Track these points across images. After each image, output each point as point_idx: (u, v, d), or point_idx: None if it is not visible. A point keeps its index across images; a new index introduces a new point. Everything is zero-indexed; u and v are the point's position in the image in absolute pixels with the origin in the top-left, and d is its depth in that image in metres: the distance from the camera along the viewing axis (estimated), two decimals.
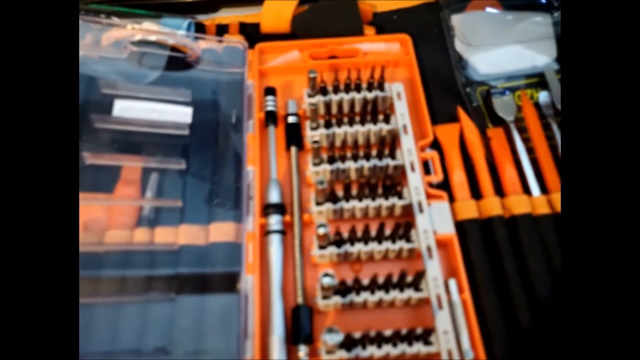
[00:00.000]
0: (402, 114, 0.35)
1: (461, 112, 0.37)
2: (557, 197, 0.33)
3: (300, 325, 0.28)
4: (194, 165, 0.35)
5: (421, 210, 0.31)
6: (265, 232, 0.31)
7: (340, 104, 0.36)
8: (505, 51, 0.40)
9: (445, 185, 0.34)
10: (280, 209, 0.32)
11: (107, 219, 0.32)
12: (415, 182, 0.32)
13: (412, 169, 0.32)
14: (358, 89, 0.36)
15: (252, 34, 0.42)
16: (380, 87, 0.36)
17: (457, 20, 0.42)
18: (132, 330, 0.28)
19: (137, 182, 0.34)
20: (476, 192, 0.34)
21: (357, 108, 0.36)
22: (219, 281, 0.31)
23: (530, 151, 0.35)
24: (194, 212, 0.33)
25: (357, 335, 0.27)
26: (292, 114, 0.36)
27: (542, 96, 0.38)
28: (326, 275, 0.27)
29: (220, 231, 0.33)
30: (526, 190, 0.34)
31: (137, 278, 0.30)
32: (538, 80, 0.39)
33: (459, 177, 0.34)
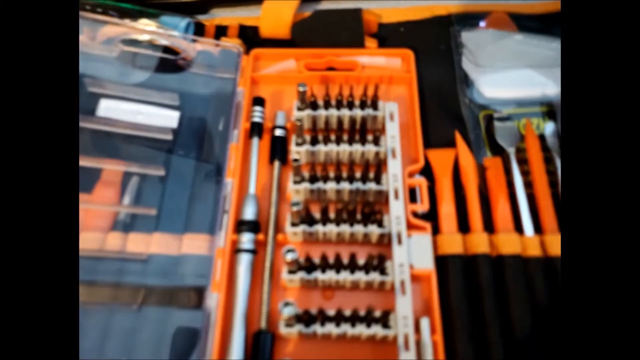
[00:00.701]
0: (392, 137, 0.33)
1: (458, 137, 0.35)
2: (551, 239, 0.30)
3: (260, 352, 0.27)
4: (175, 172, 0.34)
5: (400, 241, 0.29)
6: (235, 250, 0.30)
7: (329, 120, 0.34)
8: (515, 75, 0.38)
9: (432, 214, 0.32)
10: (253, 226, 0.31)
11: (84, 220, 0.32)
12: (397, 211, 0.30)
13: (396, 196, 0.31)
14: (350, 105, 0.34)
15: (251, 37, 0.41)
16: (374, 105, 0.34)
17: (467, 38, 0.40)
18: (93, 340, 0.28)
19: (117, 185, 0.34)
20: (464, 225, 0.32)
21: (346, 125, 0.35)
22: (185, 295, 0.30)
23: (529, 185, 0.33)
24: (170, 220, 0.33)
25: None
26: (280, 127, 0.35)
27: (549, 127, 0.35)
28: (287, 304, 0.26)
29: (194, 242, 0.32)
30: (519, 228, 0.31)
31: (104, 285, 0.30)
32: (547, 109, 0.37)
33: (447, 208, 0.32)
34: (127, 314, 0.29)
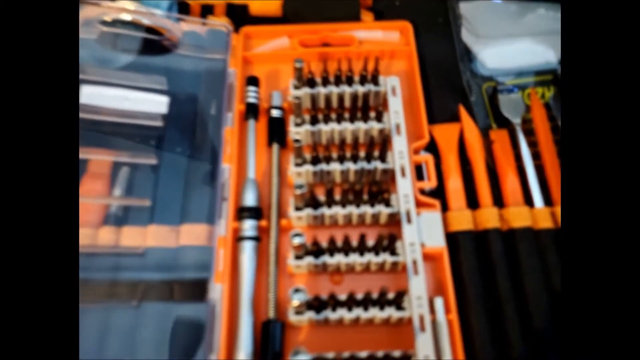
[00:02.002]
0: (395, 112, 0.31)
1: (463, 111, 0.34)
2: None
3: (270, 342, 0.26)
4: (168, 160, 0.32)
5: (409, 220, 0.28)
6: (237, 238, 0.29)
7: (328, 98, 0.33)
8: (517, 44, 0.36)
9: (440, 192, 0.31)
10: (255, 213, 0.29)
11: None
12: (405, 189, 0.29)
13: (403, 174, 0.29)
14: (349, 81, 0.33)
15: (240, 16, 0.39)
16: (374, 80, 0.33)
17: (466, 9, 0.38)
18: (91, 340, 0.27)
19: (106, 176, 0.32)
20: (473, 201, 0.31)
21: (347, 103, 0.33)
22: (187, 288, 0.29)
23: (537, 157, 0.32)
24: (166, 211, 0.31)
25: (330, 355, 0.24)
26: (276, 107, 0.33)
27: (554, 96, 0.34)
28: (297, 291, 0.24)
29: (192, 233, 0.30)
30: (528, 200, 0.31)
31: (99, 282, 0.28)
32: (551, 77, 0.36)
33: (455, 184, 0.31)
34: (126, 311, 0.27)
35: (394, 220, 0.29)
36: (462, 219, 0.29)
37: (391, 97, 0.32)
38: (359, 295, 0.26)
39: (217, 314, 0.27)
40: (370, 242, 0.27)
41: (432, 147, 0.33)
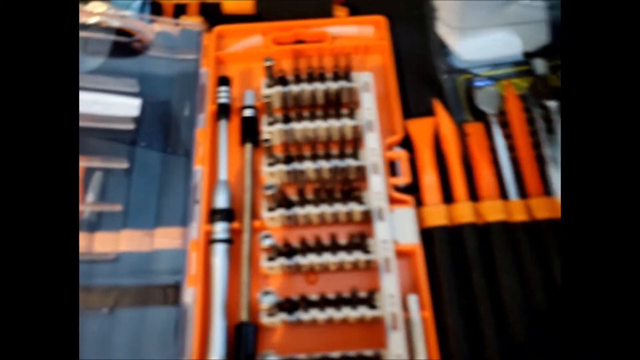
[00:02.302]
0: (368, 109, 0.31)
1: (437, 105, 0.33)
2: (536, 203, 0.29)
3: (242, 344, 0.25)
4: (141, 164, 0.32)
5: (381, 217, 0.28)
6: (209, 241, 0.28)
7: (302, 96, 0.32)
8: (493, 36, 0.36)
9: (415, 187, 0.31)
10: (227, 215, 0.29)
11: None
12: (377, 186, 0.28)
13: (375, 171, 0.29)
14: (322, 78, 0.32)
15: (213, 15, 0.39)
16: (347, 76, 0.32)
17: (440, 1, 0.38)
18: None
19: (79, 182, 0.31)
20: (448, 196, 0.31)
21: (321, 100, 0.33)
22: (161, 293, 0.28)
23: (512, 149, 0.32)
24: (139, 215, 0.31)
25: (302, 357, 0.24)
26: (249, 107, 0.33)
27: (530, 87, 0.34)
28: (266, 293, 0.24)
29: (167, 237, 0.30)
30: (504, 193, 0.30)
31: None
32: (527, 68, 0.35)
33: (429, 179, 0.31)
34: (97, 319, 0.27)
35: (368, 217, 0.29)
36: (437, 214, 0.29)
37: (364, 93, 0.32)
38: (331, 295, 0.26)
39: (190, 317, 0.26)
40: (343, 240, 0.27)
41: (407, 142, 0.32)
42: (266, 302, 0.24)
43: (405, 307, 0.26)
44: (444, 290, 0.27)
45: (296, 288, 0.28)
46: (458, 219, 0.29)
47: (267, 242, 0.25)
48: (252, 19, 0.38)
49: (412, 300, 0.26)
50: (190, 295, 0.27)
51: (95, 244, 0.29)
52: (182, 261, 0.29)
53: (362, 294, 0.25)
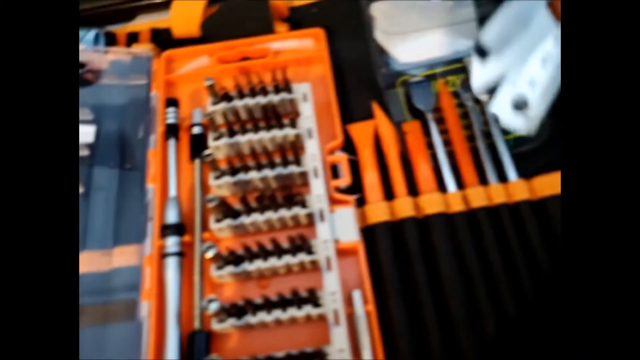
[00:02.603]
0: (307, 117, 0.33)
1: (376, 108, 0.35)
2: (472, 192, 0.31)
3: (195, 352, 0.27)
4: (98, 187, 0.34)
5: (322, 218, 0.29)
6: (162, 255, 0.30)
7: (244, 111, 0.34)
8: (427, 38, 0.38)
9: (359, 187, 0.32)
10: (177, 229, 0.30)
11: None
12: (318, 190, 0.30)
13: (316, 175, 0.31)
14: (264, 92, 0.34)
15: (165, 40, 0.40)
16: (288, 88, 0.34)
17: (377, 9, 0.40)
18: None
19: None
20: (390, 193, 0.32)
21: (265, 113, 0.34)
22: (121, 309, 0.30)
23: (449, 143, 0.33)
24: (97, 236, 0.32)
25: (245, 358, 0.25)
26: (197, 124, 0.34)
27: (463, 85, 0.36)
28: (210, 300, 0.25)
29: (124, 255, 0.31)
30: (442, 186, 0.32)
31: None
32: (461, 66, 0.37)
33: (371, 178, 0.32)
34: None
35: (313, 220, 0.30)
36: (379, 211, 0.30)
37: (302, 103, 0.33)
38: (274, 297, 0.27)
39: (145, 329, 0.27)
40: (287, 245, 0.28)
41: (351, 145, 0.34)
42: (212, 308, 0.25)
43: (351, 302, 0.27)
44: (387, 284, 0.28)
45: (249, 294, 0.29)
46: (399, 214, 0.30)
47: (210, 253, 0.27)
48: (201, 41, 0.40)
49: (356, 295, 0.27)
50: (145, 308, 0.28)
51: None
52: (139, 277, 0.30)
53: (303, 294, 0.27)
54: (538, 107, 0.30)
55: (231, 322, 0.27)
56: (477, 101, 0.35)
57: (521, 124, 0.30)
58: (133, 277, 0.30)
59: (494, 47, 0.30)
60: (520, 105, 0.30)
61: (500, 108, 0.30)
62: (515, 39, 0.30)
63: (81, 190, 0.33)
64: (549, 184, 0.30)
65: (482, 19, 0.38)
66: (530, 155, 0.32)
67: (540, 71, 0.29)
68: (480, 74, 0.31)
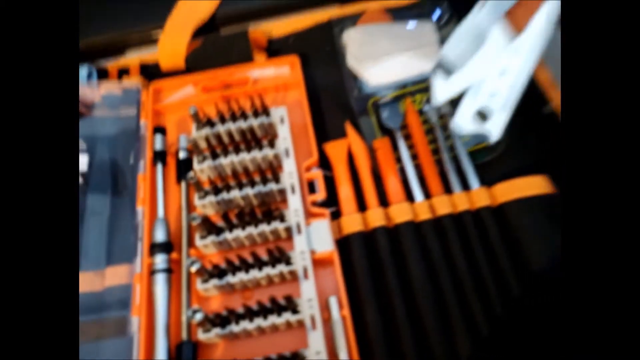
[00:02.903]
0: (284, 138, 0.35)
1: (349, 127, 0.38)
2: (437, 201, 0.33)
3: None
4: (92, 211, 0.36)
5: (299, 231, 0.31)
6: (151, 272, 0.32)
7: (226, 135, 0.37)
8: (394, 61, 0.41)
9: (335, 200, 0.35)
10: (165, 247, 0.32)
11: None
12: (295, 204, 0.32)
13: (293, 191, 0.33)
14: (244, 117, 0.37)
15: (154, 73, 0.44)
16: (266, 112, 0.37)
17: (348, 37, 0.43)
18: None
19: None
20: (363, 205, 0.34)
21: (247, 136, 0.37)
22: (112, 326, 0.31)
23: (416, 157, 0.36)
24: (91, 258, 0.34)
25: None
26: (183, 149, 0.37)
27: (427, 102, 0.39)
28: (195, 311, 0.27)
29: (116, 274, 0.33)
30: (411, 197, 0.34)
31: None
32: (426, 86, 0.40)
33: (345, 192, 0.35)
34: None
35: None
36: (353, 222, 0.33)
37: (279, 125, 0.36)
38: (255, 307, 0.29)
39: (136, 343, 0.29)
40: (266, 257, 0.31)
41: (327, 162, 0.36)
42: (197, 318, 0.27)
43: (327, 308, 0.29)
44: (361, 290, 0.30)
45: (234, 306, 0.31)
46: (371, 224, 0.33)
47: (194, 267, 0.29)
48: (187, 72, 0.43)
49: (332, 301, 0.29)
50: (135, 323, 0.30)
51: None
52: (130, 294, 0.32)
53: (282, 302, 0.28)
54: (500, 116, 0.32)
55: (216, 331, 0.29)
56: (441, 117, 0.38)
57: (486, 133, 0.32)
58: (124, 295, 0.32)
59: (454, 63, 0.33)
60: (483, 116, 0.32)
61: (464, 119, 0.33)
62: (473, 54, 0.32)
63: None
64: (507, 191, 0.33)
65: (443, 42, 0.41)
66: (490, 165, 0.35)
67: (499, 83, 0.32)
68: (441, 89, 0.33)
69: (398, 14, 0.44)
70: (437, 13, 0.43)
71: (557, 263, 0.29)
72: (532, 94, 0.37)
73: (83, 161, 0.38)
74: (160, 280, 0.31)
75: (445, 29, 0.42)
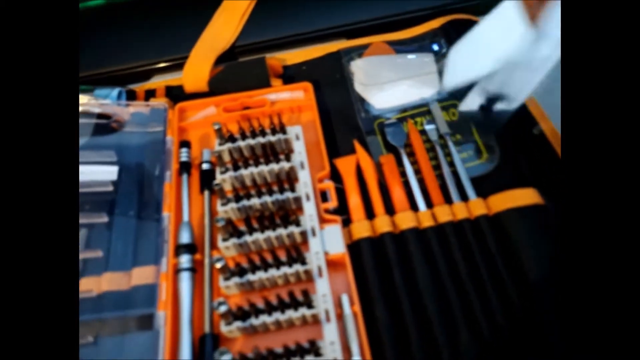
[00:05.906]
0: (299, 153, 0.39)
1: (357, 145, 0.42)
2: (439, 210, 0.37)
3: (205, 352, 0.30)
4: (120, 217, 0.39)
5: (314, 234, 0.34)
6: (176, 271, 0.34)
7: (246, 149, 0.40)
8: (396, 88, 0.46)
9: (345, 208, 0.38)
10: (190, 248, 0.35)
11: None
12: (310, 210, 0.36)
13: (307, 198, 0.36)
14: (264, 134, 0.41)
15: (178, 95, 0.48)
16: (283, 130, 0.41)
17: (356, 66, 0.48)
18: None
19: None
20: (371, 213, 0.38)
21: (266, 150, 0.41)
22: (138, 321, 0.34)
23: (419, 172, 0.40)
24: (119, 259, 0.37)
25: (251, 355, 0.29)
26: (206, 162, 0.41)
27: (428, 123, 0.43)
28: (220, 303, 0.30)
29: (142, 275, 0.36)
30: (415, 207, 0.38)
31: None
32: (427, 109, 0.45)
33: (354, 202, 0.38)
34: (84, 349, 0.32)
35: (307, 238, 0.36)
36: (362, 228, 0.36)
37: (295, 141, 0.40)
38: (274, 302, 0.31)
39: (162, 336, 0.31)
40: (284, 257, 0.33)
41: (338, 175, 0.40)
42: (221, 309, 0.30)
43: (339, 305, 0.32)
44: (371, 289, 0.33)
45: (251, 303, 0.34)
46: (379, 230, 0.36)
47: (219, 264, 0.32)
48: (208, 95, 0.47)
49: (344, 298, 0.32)
50: (161, 318, 0.32)
51: (82, 286, 0.35)
52: (155, 293, 0.34)
53: (299, 298, 0.31)
54: (509, 104, 0.33)
55: (237, 324, 0.31)
56: (440, 136, 0.42)
57: (491, 120, 0.34)
58: (149, 293, 0.35)
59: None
60: (491, 102, 0.34)
61: (471, 106, 0.34)
62: (483, 54, 0.33)
63: (104, 220, 0.38)
64: (501, 201, 0.36)
65: (441, 72, 0.46)
66: (485, 178, 0.39)
67: (507, 75, 0.32)
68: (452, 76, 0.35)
69: (400, 47, 0.50)
70: (436, 47, 0.49)
71: (548, 266, 0.33)
72: (523, 116, 0.42)
73: (113, 170, 0.41)
74: (184, 278, 0.34)
75: (443, 61, 0.47)
